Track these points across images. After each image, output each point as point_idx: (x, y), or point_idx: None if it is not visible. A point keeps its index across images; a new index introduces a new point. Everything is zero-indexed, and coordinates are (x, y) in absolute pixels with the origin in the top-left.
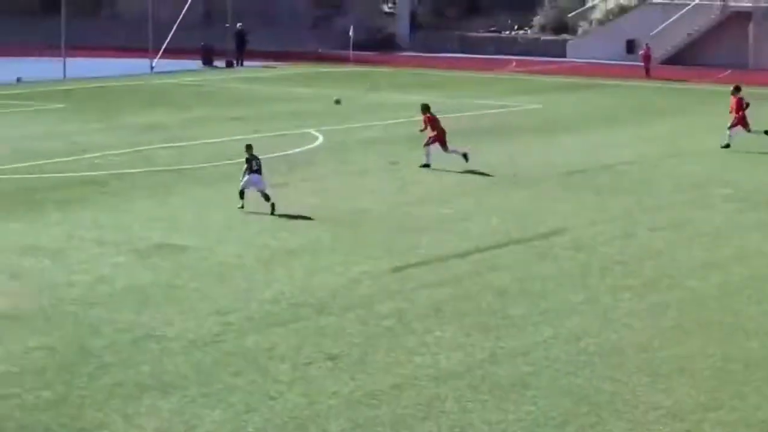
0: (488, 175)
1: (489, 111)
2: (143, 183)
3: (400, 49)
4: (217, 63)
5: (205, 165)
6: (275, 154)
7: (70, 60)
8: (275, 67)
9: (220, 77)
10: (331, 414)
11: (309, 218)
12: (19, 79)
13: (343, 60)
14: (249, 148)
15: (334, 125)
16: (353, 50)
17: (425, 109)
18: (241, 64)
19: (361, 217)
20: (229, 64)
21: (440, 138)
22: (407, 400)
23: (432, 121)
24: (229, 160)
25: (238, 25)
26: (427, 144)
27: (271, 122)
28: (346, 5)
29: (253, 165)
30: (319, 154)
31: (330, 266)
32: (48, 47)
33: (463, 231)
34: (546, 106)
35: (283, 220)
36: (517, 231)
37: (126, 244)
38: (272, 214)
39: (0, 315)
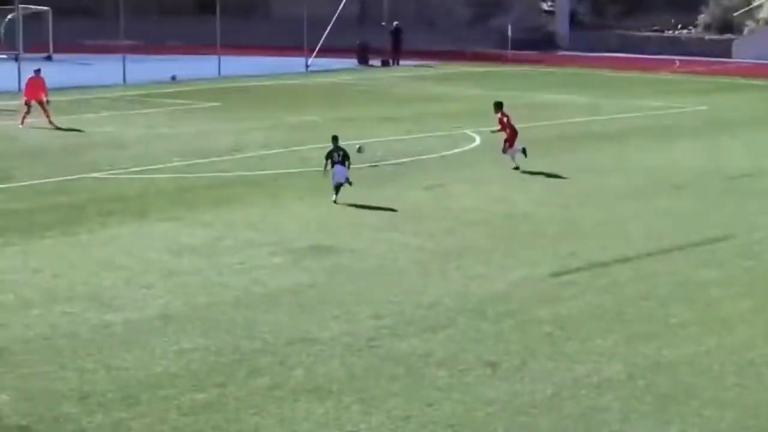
0: (649, 177)
1: (651, 112)
2: (297, 183)
3: (559, 48)
4: (372, 62)
5: (359, 166)
6: (430, 155)
7: (224, 59)
8: (431, 67)
9: (376, 76)
10: (489, 422)
11: (465, 221)
12: (173, 78)
13: (501, 59)
14: (335, 139)
15: (491, 126)
16: (511, 49)
17: (498, 107)
18: (397, 63)
19: (519, 220)
20: (385, 63)
21: (511, 138)
22: (567, 409)
23: (503, 121)
24: (385, 161)
25: (394, 23)
26: (505, 150)
27: (427, 122)
28: (504, 3)
29: (335, 156)
30: (476, 156)
31: (487, 270)
32: (203, 47)
33: (625, 236)
34: (710, 107)
35: (439, 222)
36: (680, 236)
37: (281, 245)
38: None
39: (154, 316)
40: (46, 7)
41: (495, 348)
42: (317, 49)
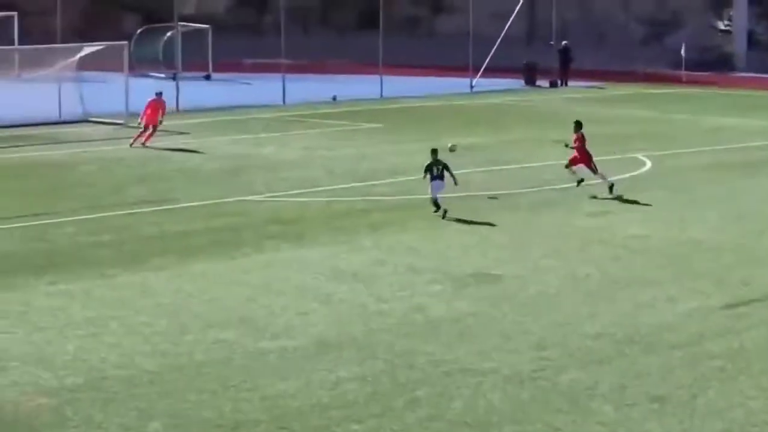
0: None
1: None
2: (459, 208)
3: (735, 68)
4: (540, 82)
5: (523, 190)
6: (598, 180)
7: (387, 78)
8: (601, 88)
9: (543, 97)
10: None
11: (633, 249)
12: (334, 98)
13: (675, 80)
14: (434, 152)
15: (663, 150)
16: (685, 69)
17: (578, 126)
18: (565, 84)
19: (692, 248)
20: (553, 84)
21: (579, 160)
22: None
23: (579, 142)
24: (550, 185)
25: (563, 42)
26: (568, 166)
27: (596, 145)
28: (679, 22)
29: (434, 170)
30: (647, 181)
31: (656, 300)
32: (364, 65)
33: None
34: None
35: (606, 250)
36: None
37: (441, 272)
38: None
39: (310, 343)
40: (205, 25)
41: (663, 382)
42: (482, 68)
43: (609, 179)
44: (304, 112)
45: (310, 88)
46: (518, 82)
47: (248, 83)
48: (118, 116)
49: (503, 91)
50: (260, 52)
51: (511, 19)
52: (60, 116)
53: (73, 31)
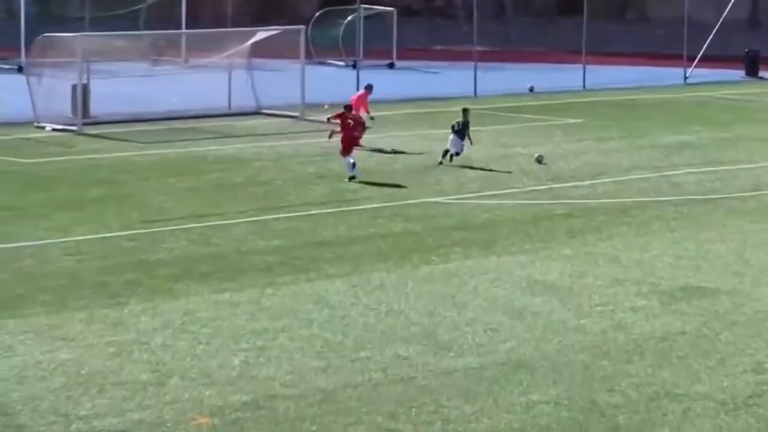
0: None
1: None
2: (669, 213)
3: None
4: (763, 73)
5: (743, 194)
6: None
7: (590, 68)
8: None
9: (766, 90)
10: None
11: None
12: (531, 89)
13: None
14: (465, 112)
15: None
16: None
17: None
18: None
19: None
20: None
21: None
22: None
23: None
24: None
25: None
26: None
27: None
28: None
29: (455, 126)
30: None
31: None
32: (565, 53)
33: None
34: None
35: None
36: None
37: (647, 285)
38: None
39: (500, 362)
40: (390, 8)
41: None
42: (698, 57)
43: None
44: (497, 105)
45: (505, 78)
46: (738, 74)
47: (436, 72)
48: (294, 108)
49: (721, 83)
50: (450, 38)
51: (731, 2)
52: (230, 107)
53: (244, 14)
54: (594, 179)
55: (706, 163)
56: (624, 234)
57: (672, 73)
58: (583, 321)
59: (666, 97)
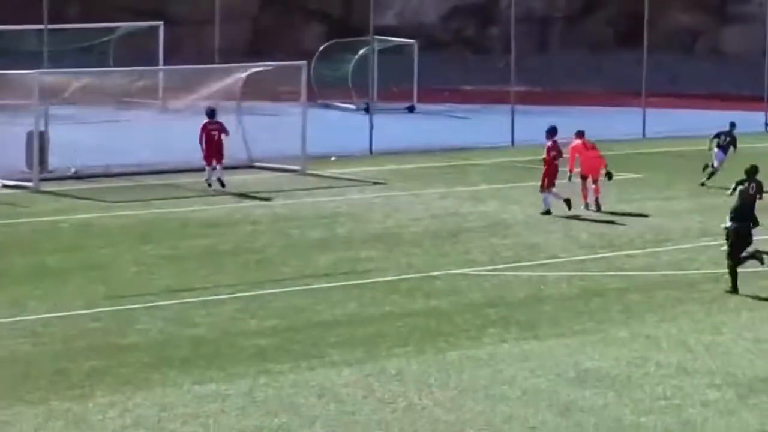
0: None
1: None
2: (748, 287)
3: None
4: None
5: None
6: None
7: (651, 112)
8: None
9: None
10: None
11: None
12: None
13: None
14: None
15: None
16: None
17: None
18: None
19: None
20: None
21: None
22: None
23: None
24: None
25: None
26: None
27: None
28: None
29: (721, 140)
30: None
31: None
32: (621, 94)
33: None
34: None
35: None
36: None
37: (721, 375)
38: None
39: None
40: (410, 40)
41: None
42: None
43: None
44: (538, 156)
45: (549, 123)
46: None
47: (465, 117)
48: (293, 160)
49: None
50: (482, 75)
51: None
52: (223, 164)
53: (235, 46)
54: (656, 247)
55: None
56: (692, 313)
57: (750, 118)
58: (643, 419)
59: (744, 147)
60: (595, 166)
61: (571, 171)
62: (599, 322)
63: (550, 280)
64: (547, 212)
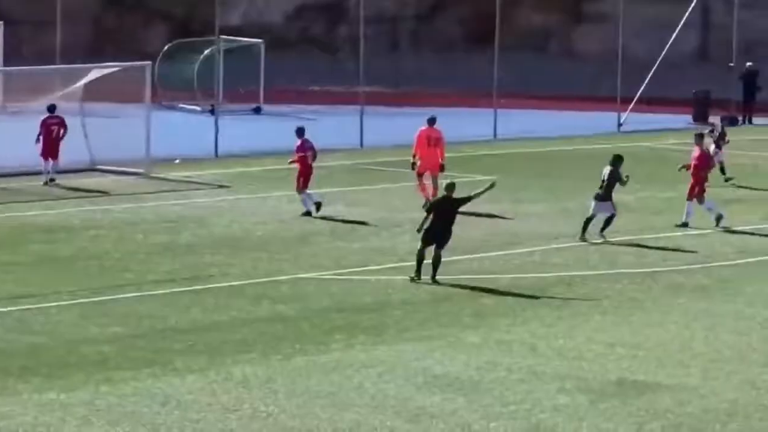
0: None
1: None
2: (599, 291)
3: None
4: (713, 119)
5: (689, 267)
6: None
7: (503, 113)
8: None
9: None
10: None
11: None
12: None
13: None
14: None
15: None
16: None
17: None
18: (750, 121)
19: None
20: (732, 121)
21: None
22: None
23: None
24: (721, 260)
25: (748, 64)
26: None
27: None
28: None
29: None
30: None
31: None
32: (472, 95)
33: None
34: None
35: None
36: None
37: (572, 379)
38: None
39: None
40: (257, 40)
41: None
42: (635, 99)
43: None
44: (388, 159)
45: (397, 125)
46: (685, 119)
47: (312, 119)
48: (137, 163)
49: (663, 130)
50: (330, 76)
51: (675, 32)
52: (58, 163)
53: (77, 47)
54: (507, 250)
55: (645, 229)
56: (543, 317)
57: (603, 119)
58: (493, 424)
59: (596, 148)
60: (435, 163)
61: (415, 156)
62: (449, 326)
63: (398, 285)
64: (307, 213)
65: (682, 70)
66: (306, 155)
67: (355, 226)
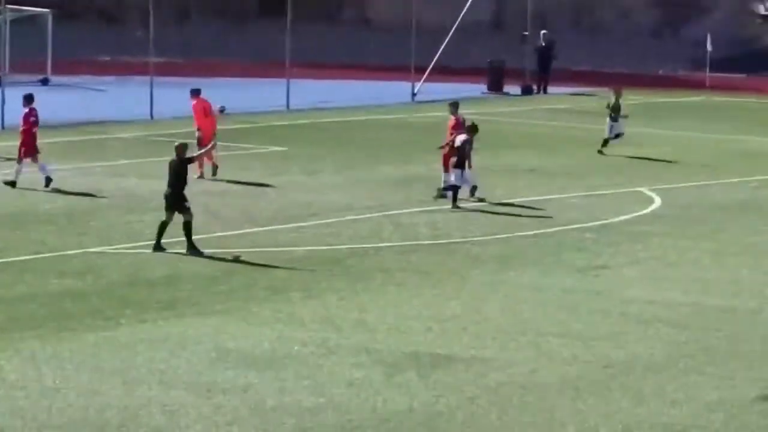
0: None
1: None
2: (394, 263)
3: None
4: (509, 88)
5: (484, 238)
6: (589, 223)
7: (296, 83)
8: (594, 95)
9: (512, 109)
10: None
11: (639, 320)
12: (222, 110)
13: (697, 85)
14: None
15: (676, 182)
16: (711, 71)
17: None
18: (545, 91)
19: (718, 319)
20: (527, 90)
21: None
22: None
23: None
24: (522, 230)
25: (542, 33)
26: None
27: (586, 177)
28: (703, 6)
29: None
30: (656, 225)
31: (670, 390)
32: (264, 65)
33: None
34: None
35: (600, 322)
36: None
37: (366, 353)
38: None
39: None
40: (44, 9)
41: None
42: (429, 69)
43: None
44: (180, 130)
45: (187, 96)
46: (479, 88)
47: (102, 90)
48: None
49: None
50: (120, 47)
51: (468, 2)
52: None
53: None
54: (301, 222)
55: (440, 200)
56: (338, 290)
57: (398, 89)
58: (287, 399)
59: (390, 118)
60: (213, 133)
61: (199, 128)
62: (242, 300)
63: (190, 258)
64: (11, 184)
65: (477, 39)
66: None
67: (147, 198)
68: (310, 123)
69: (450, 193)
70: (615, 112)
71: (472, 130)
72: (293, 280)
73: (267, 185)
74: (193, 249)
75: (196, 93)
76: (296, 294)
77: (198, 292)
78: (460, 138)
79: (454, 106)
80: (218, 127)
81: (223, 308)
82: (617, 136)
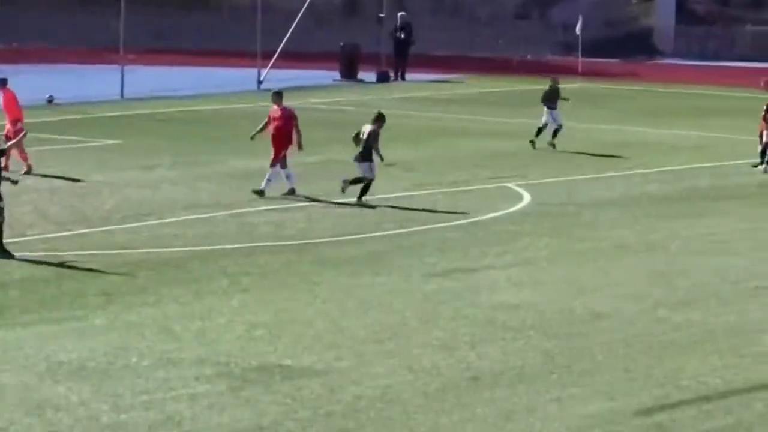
0: None
1: None
2: (239, 266)
3: (659, 53)
4: (363, 75)
5: (338, 238)
6: (451, 222)
7: (131, 70)
8: (455, 82)
9: (367, 97)
10: None
11: (504, 327)
12: (50, 100)
13: (566, 71)
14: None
15: (545, 177)
16: (582, 56)
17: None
18: (402, 78)
19: (593, 325)
20: (383, 77)
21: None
22: None
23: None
24: (378, 230)
25: (400, 15)
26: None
27: (447, 170)
28: None
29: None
30: (525, 223)
31: (543, 403)
32: (96, 51)
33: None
34: None
35: (463, 329)
36: None
37: (210, 365)
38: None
39: None
40: None
41: None
42: (276, 55)
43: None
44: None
45: (16, 85)
46: (331, 75)
47: None
48: None
49: (308, 88)
50: None
51: None
52: None
53: None
54: (137, 221)
55: (285, 197)
56: (178, 296)
57: (242, 76)
58: (123, 416)
59: (234, 107)
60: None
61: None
62: (73, 307)
63: (17, 262)
64: None
65: (329, 24)
66: None
67: None
68: (147, 113)
69: (348, 184)
70: (550, 100)
71: (379, 119)
72: (129, 285)
73: (100, 181)
74: (3, 252)
75: (2, 83)
76: (133, 300)
77: (25, 298)
78: (366, 129)
79: (278, 95)
80: (45, 118)
81: (52, 316)
82: (556, 130)
